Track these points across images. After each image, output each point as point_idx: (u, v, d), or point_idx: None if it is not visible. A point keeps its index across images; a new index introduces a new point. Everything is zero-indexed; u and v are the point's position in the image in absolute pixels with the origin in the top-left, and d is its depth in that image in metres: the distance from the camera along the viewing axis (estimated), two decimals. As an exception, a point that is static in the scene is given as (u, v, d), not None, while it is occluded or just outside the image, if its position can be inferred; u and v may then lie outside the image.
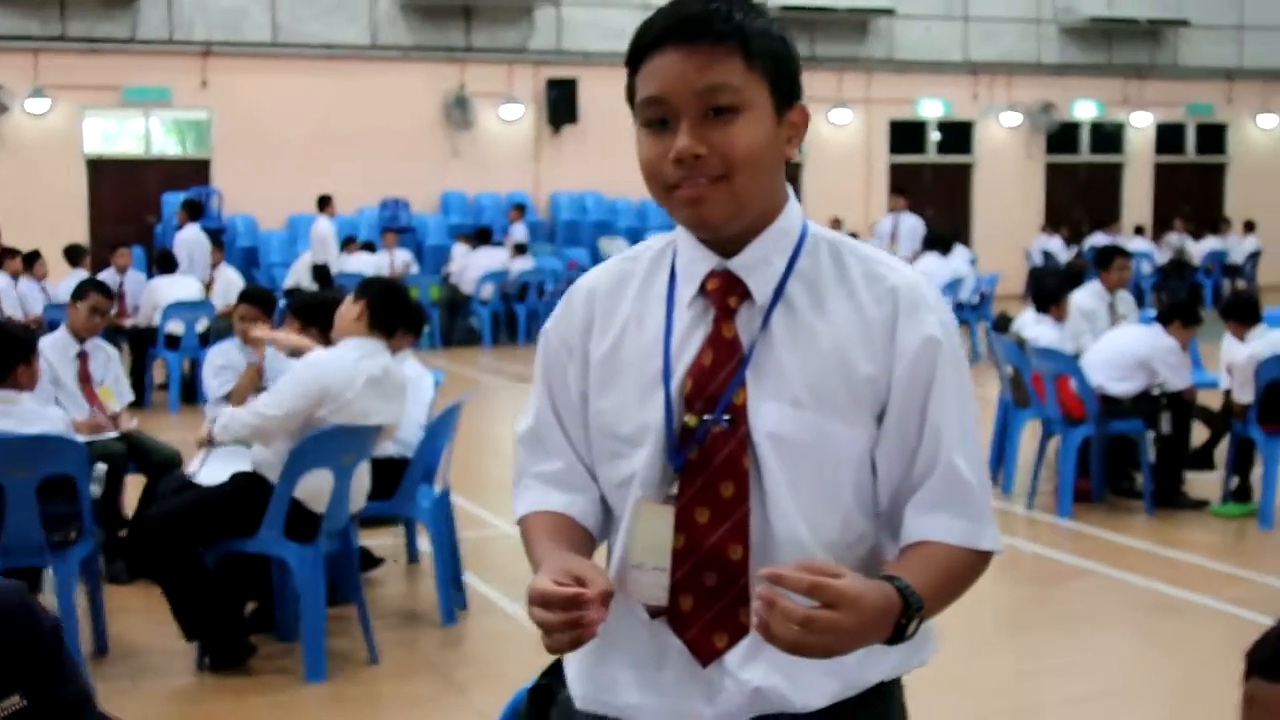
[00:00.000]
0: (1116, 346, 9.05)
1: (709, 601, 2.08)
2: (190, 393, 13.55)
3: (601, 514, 2.24)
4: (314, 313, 6.91)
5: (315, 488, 5.90)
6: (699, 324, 2.13)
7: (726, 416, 2.07)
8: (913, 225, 18.78)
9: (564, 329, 2.24)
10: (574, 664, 2.25)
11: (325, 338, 6.51)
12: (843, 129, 25.21)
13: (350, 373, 5.90)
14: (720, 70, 2.02)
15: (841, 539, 2.11)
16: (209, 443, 6.28)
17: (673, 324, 2.14)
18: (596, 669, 2.20)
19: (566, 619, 1.92)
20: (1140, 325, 9.65)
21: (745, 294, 2.11)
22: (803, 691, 2.08)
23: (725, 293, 2.11)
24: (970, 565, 2.11)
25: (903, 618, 1.93)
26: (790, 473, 2.07)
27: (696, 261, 2.13)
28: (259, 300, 8.12)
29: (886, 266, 2.15)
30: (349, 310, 6.12)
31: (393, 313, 6.16)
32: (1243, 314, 8.86)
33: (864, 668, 2.11)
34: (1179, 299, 10.91)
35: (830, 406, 2.07)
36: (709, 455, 2.08)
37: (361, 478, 6.12)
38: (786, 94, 2.09)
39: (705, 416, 2.08)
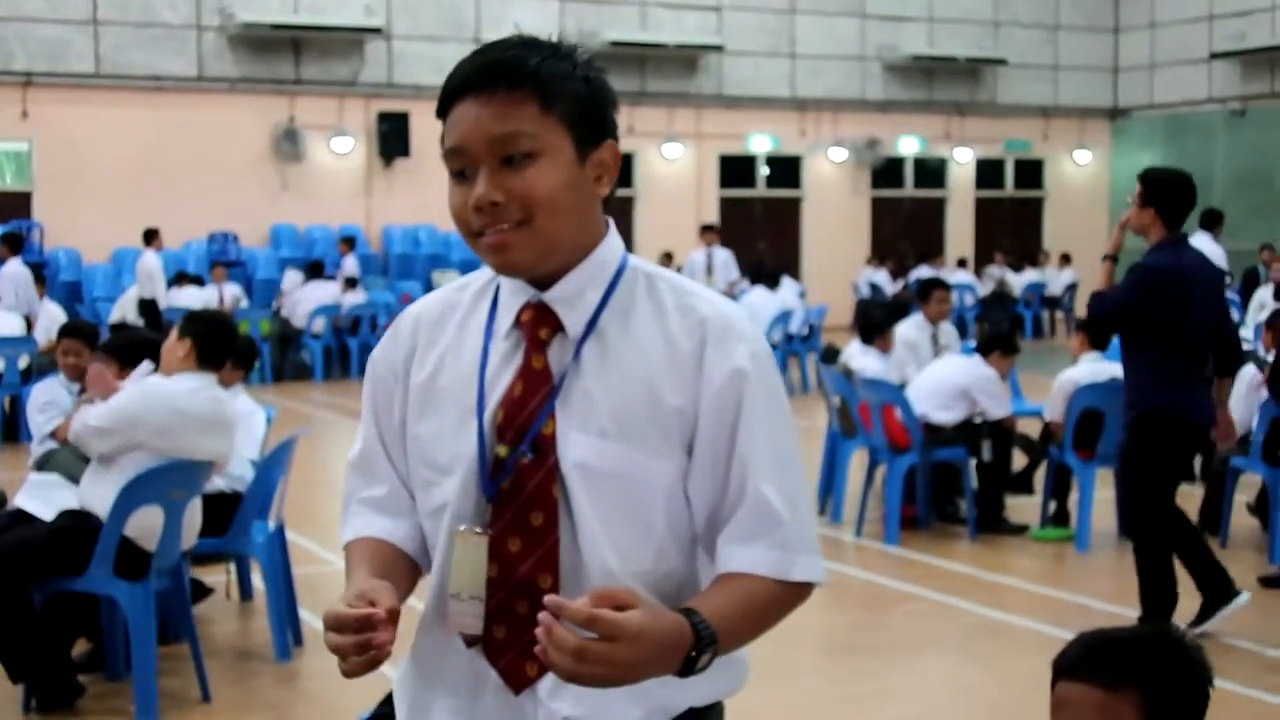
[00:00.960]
0: (939, 377, 9.26)
1: (521, 630, 2.08)
2: (11, 430, 13.25)
3: (424, 541, 2.25)
4: (133, 353, 6.73)
5: (146, 525, 5.80)
6: (513, 355, 2.15)
7: (533, 449, 2.09)
8: (725, 258, 19.13)
9: (390, 355, 2.26)
10: (399, 693, 2.27)
11: None
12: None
13: (181, 403, 5.84)
14: (514, 118, 2.05)
15: (655, 569, 2.12)
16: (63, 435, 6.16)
17: (489, 355, 2.16)
18: (417, 698, 2.22)
19: (357, 641, 1.94)
20: (962, 356, 9.89)
21: (558, 326, 2.13)
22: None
23: (537, 324, 2.13)
24: (780, 596, 2.11)
25: (693, 650, 1.95)
26: (599, 503, 2.08)
27: (515, 294, 2.16)
28: (82, 334, 8.01)
29: (700, 299, 2.16)
30: (175, 347, 6.06)
31: (220, 346, 6.13)
32: (1094, 333, 8.90)
33: (672, 694, 2.11)
34: (1000, 330, 11.25)
35: (638, 437, 2.09)
36: (520, 485, 2.09)
37: (193, 514, 6.05)
38: (590, 134, 2.11)
39: (517, 447, 2.10)
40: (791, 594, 2.13)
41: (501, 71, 2.06)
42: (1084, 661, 2.09)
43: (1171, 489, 6.81)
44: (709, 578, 2.16)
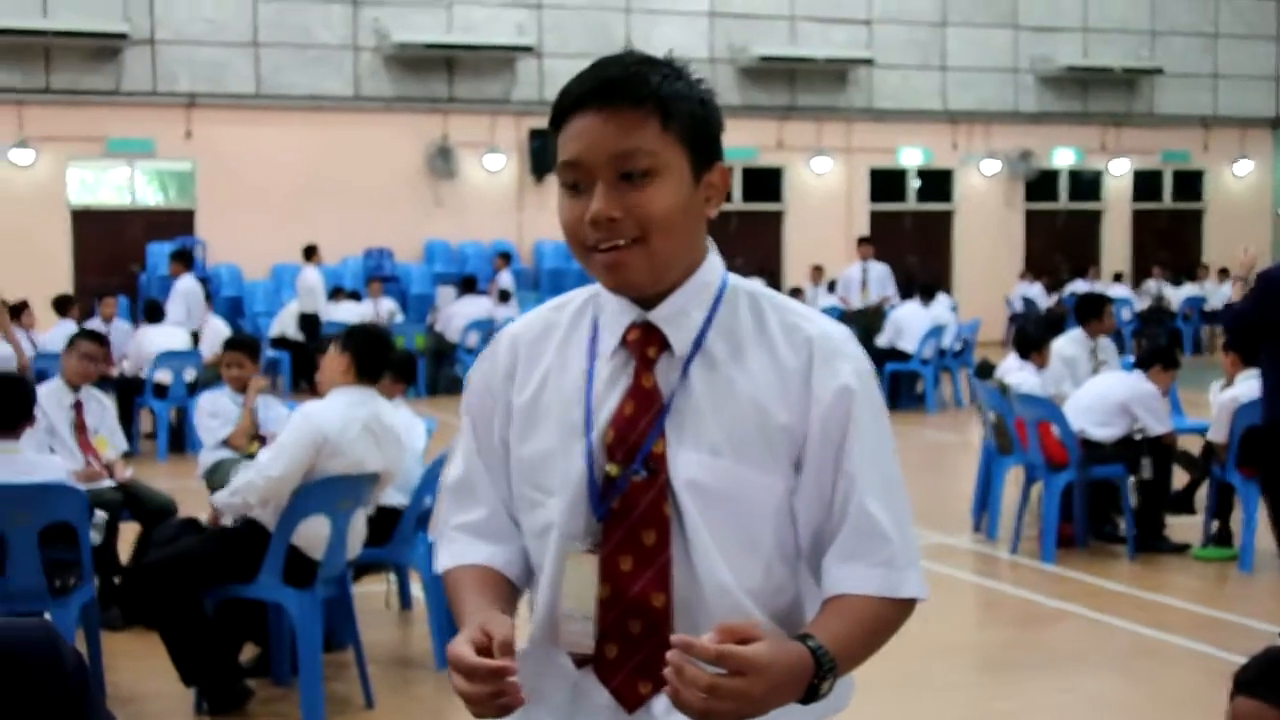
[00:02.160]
0: (1098, 392, 9.15)
1: (634, 649, 2.09)
2: (178, 441, 13.64)
3: (524, 564, 2.24)
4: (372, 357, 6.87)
5: (313, 534, 5.97)
6: (620, 375, 2.14)
7: (646, 467, 2.09)
8: (881, 272, 18.95)
9: (488, 376, 2.26)
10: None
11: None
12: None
13: (344, 420, 5.98)
14: (637, 135, 2.05)
15: (764, 586, 2.13)
16: (215, 520, 6.33)
17: (594, 374, 2.15)
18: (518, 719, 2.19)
19: (490, 691, 1.95)
20: (1121, 371, 9.76)
21: (664, 345, 2.13)
22: None
23: (645, 344, 2.13)
24: (890, 614, 2.12)
25: (815, 678, 1.96)
26: (711, 520, 2.08)
27: (619, 314, 2.15)
28: (245, 347, 8.26)
29: (803, 317, 2.17)
30: (335, 362, 6.18)
31: (378, 359, 6.24)
32: (1241, 349, 8.86)
33: (785, 715, 2.08)
34: (1158, 345, 11.06)
35: (747, 455, 2.09)
36: (631, 504, 2.09)
37: (358, 525, 6.21)
38: (704, 156, 2.12)
39: (628, 466, 2.09)
40: (900, 611, 2.14)
41: (624, 88, 2.06)
42: (1262, 681, 2.07)
43: None
44: (811, 595, 2.18)
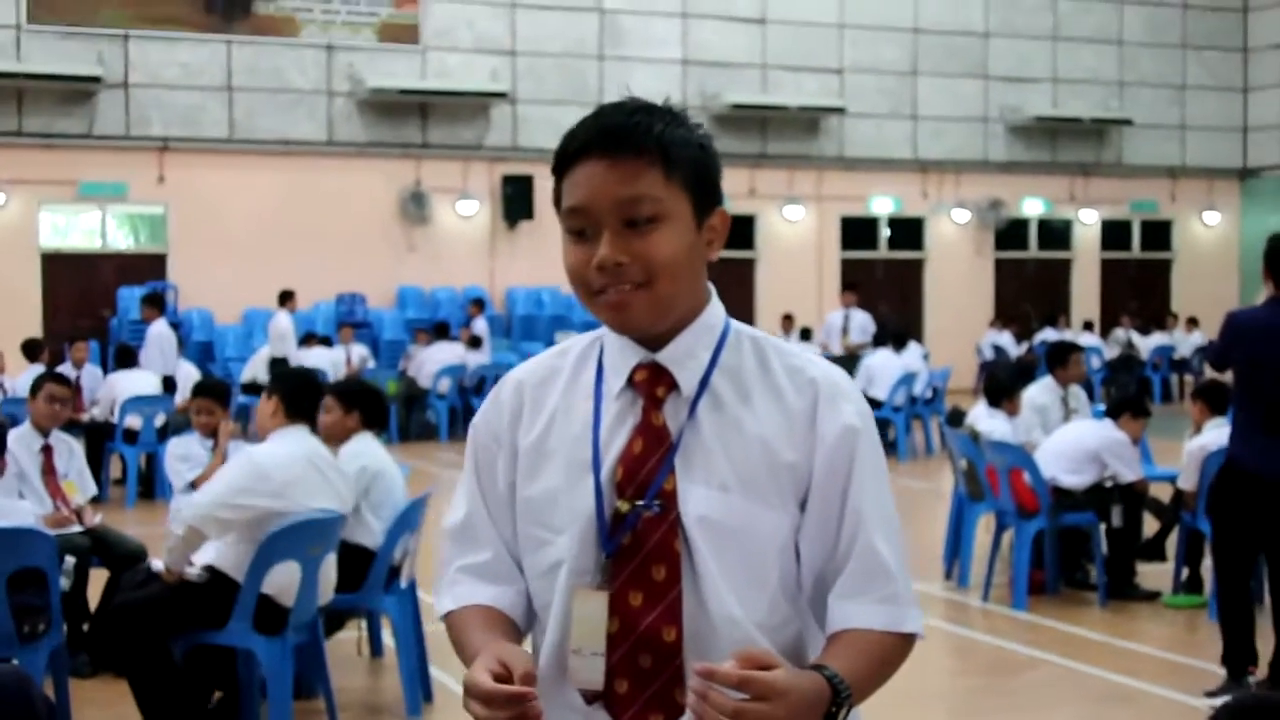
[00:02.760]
0: (1069, 440, 9.19)
1: (645, 684, 2.11)
2: (148, 487, 13.57)
3: (527, 606, 2.26)
4: (353, 398, 7.12)
5: (283, 582, 5.94)
6: (627, 414, 2.17)
7: (658, 502, 2.12)
8: (862, 320, 19.06)
9: (493, 421, 2.28)
10: None
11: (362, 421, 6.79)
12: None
13: (287, 457, 6.00)
14: (641, 182, 2.09)
15: (769, 620, 2.15)
16: (173, 577, 6.27)
17: (601, 414, 2.18)
18: None
19: (510, 716, 1.96)
20: (1091, 419, 9.81)
21: (672, 385, 2.17)
22: None
23: (653, 383, 2.17)
24: (895, 649, 2.17)
25: (833, 706, 2.00)
26: (720, 555, 2.11)
27: (624, 356, 2.19)
28: (214, 393, 8.21)
29: (805, 360, 2.23)
30: (265, 406, 6.26)
31: (306, 399, 6.30)
32: (1211, 399, 8.96)
33: None
34: (1128, 393, 11.13)
35: (756, 491, 2.13)
36: (641, 540, 2.11)
37: (328, 570, 6.18)
38: (706, 200, 2.17)
39: (637, 502, 2.12)
40: (903, 646, 2.18)
41: (626, 135, 2.11)
42: None
43: (1231, 543, 6.76)
44: (810, 630, 2.22)
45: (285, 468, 5.97)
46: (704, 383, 2.17)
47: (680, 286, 2.14)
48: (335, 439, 6.93)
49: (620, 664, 2.12)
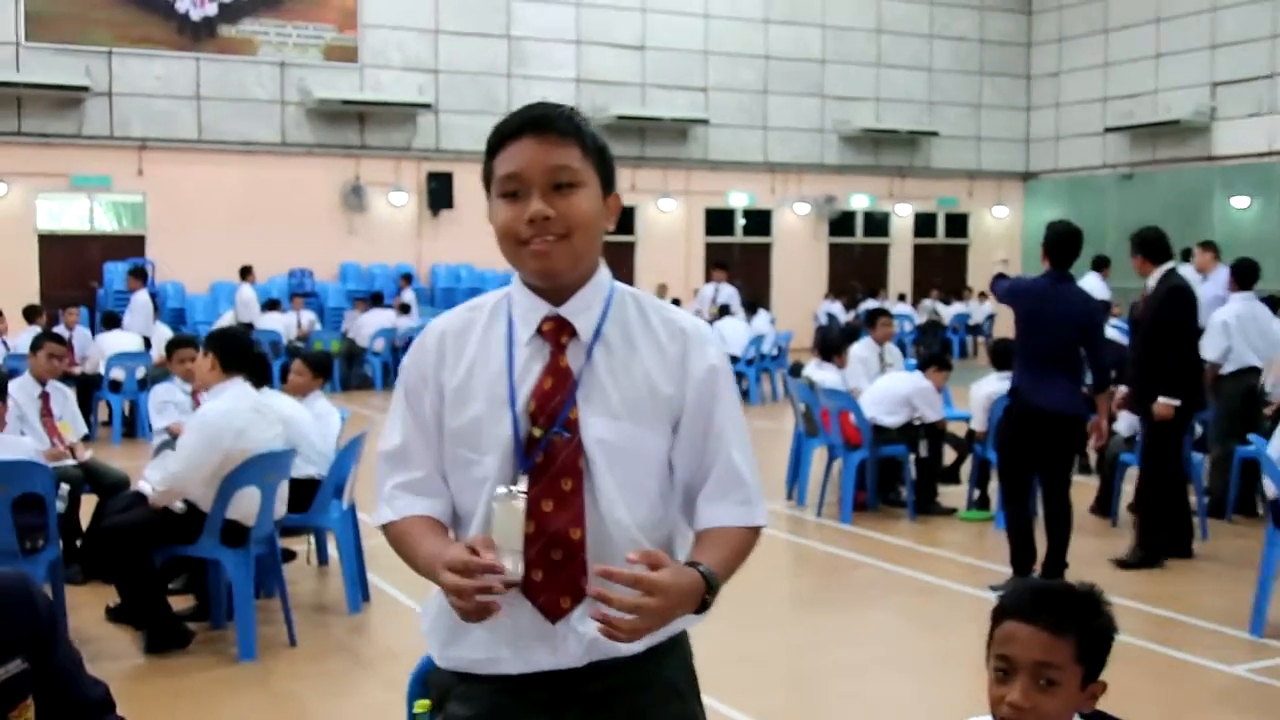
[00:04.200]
0: (886, 388, 9.33)
1: (556, 572, 2.13)
2: (130, 428, 13.31)
3: (452, 515, 2.26)
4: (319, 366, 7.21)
5: (245, 506, 5.89)
6: (536, 358, 2.18)
7: (565, 429, 2.13)
8: (729, 292, 19.14)
9: (420, 363, 2.26)
10: (432, 630, 2.27)
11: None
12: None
13: (231, 410, 5.84)
14: (565, 154, 2.13)
15: (649, 521, 2.19)
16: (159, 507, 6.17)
17: (514, 358, 2.19)
18: (454, 628, 2.20)
19: (479, 585, 1.95)
20: (904, 371, 9.96)
21: (573, 333, 2.18)
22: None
23: (559, 332, 2.18)
24: (748, 540, 2.23)
25: (706, 594, 2.05)
26: (613, 470, 2.14)
27: (531, 309, 2.20)
28: (190, 343, 8.15)
29: (675, 314, 2.28)
30: (202, 363, 6.01)
31: (238, 353, 6.01)
32: (998, 358, 9.15)
33: (680, 624, 2.19)
34: (934, 351, 11.29)
35: (641, 418, 2.17)
36: (552, 458, 2.13)
37: (283, 493, 6.12)
38: (608, 181, 2.21)
39: (549, 429, 2.14)
40: (754, 536, 2.24)
41: (552, 121, 2.15)
42: (1033, 607, 2.10)
43: (1012, 465, 6.95)
44: (679, 529, 2.26)
45: (233, 417, 5.80)
46: (598, 331, 2.19)
47: (590, 243, 2.16)
48: (301, 393, 6.93)
49: (536, 558, 2.12)
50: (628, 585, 1.93)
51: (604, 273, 2.26)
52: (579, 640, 2.15)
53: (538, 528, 2.13)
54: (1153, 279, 7.58)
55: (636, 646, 2.16)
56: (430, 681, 2.33)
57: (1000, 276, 7.34)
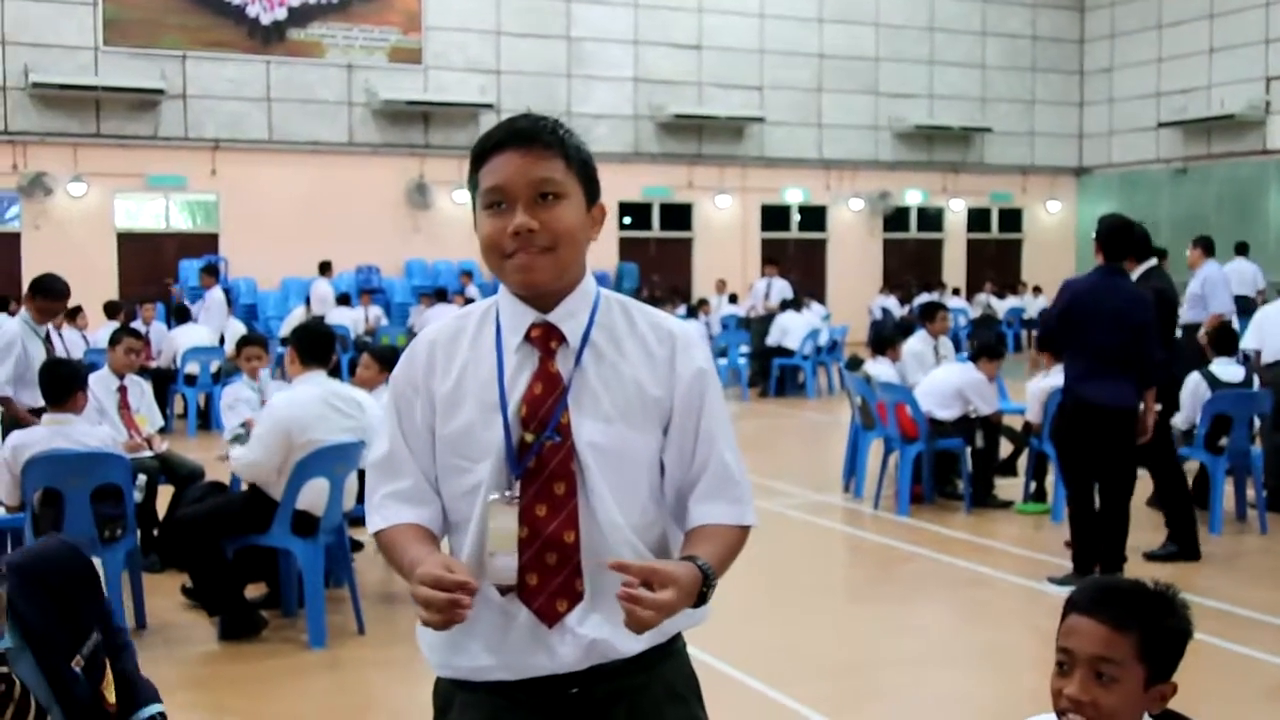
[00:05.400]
0: (940, 381, 9.23)
1: (551, 576, 2.10)
2: (204, 420, 13.46)
3: (442, 523, 2.21)
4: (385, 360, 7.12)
5: (314, 497, 5.92)
6: (526, 364, 2.15)
7: (557, 433, 2.10)
8: (782, 286, 19.02)
9: (410, 373, 2.22)
10: (430, 641, 2.20)
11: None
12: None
13: (302, 400, 5.90)
14: (549, 167, 2.10)
15: (641, 522, 2.16)
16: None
17: (504, 365, 2.15)
18: (452, 640, 2.16)
19: (449, 599, 1.90)
20: (957, 364, 9.87)
21: (561, 339, 2.15)
22: (626, 641, 2.11)
23: (547, 338, 2.15)
24: (739, 538, 2.20)
25: (704, 587, 2.03)
26: (605, 472, 2.11)
27: (519, 316, 2.16)
28: (259, 342, 8.27)
29: (663, 318, 2.24)
30: (288, 356, 6.23)
31: (316, 346, 6.12)
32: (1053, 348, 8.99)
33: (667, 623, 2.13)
34: (985, 341, 11.15)
35: (631, 421, 2.13)
36: (544, 463, 2.10)
37: (351, 484, 6.15)
38: (591, 193, 2.17)
39: (541, 434, 2.10)
40: (744, 535, 2.22)
41: (536, 134, 2.12)
42: (1096, 602, 2.07)
43: (1073, 463, 6.77)
44: (671, 530, 2.23)
45: (302, 408, 5.86)
46: (586, 336, 2.16)
47: (574, 254, 2.13)
48: (369, 386, 6.98)
49: (530, 562, 2.09)
50: (639, 578, 1.91)
51: (590, 280, 2.23)
52: (577, 643, 2.11)
53: (532, 532, 2.09)
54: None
55: (636, 647, 2.13)
56: (434, 691, 2.29)
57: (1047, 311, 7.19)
